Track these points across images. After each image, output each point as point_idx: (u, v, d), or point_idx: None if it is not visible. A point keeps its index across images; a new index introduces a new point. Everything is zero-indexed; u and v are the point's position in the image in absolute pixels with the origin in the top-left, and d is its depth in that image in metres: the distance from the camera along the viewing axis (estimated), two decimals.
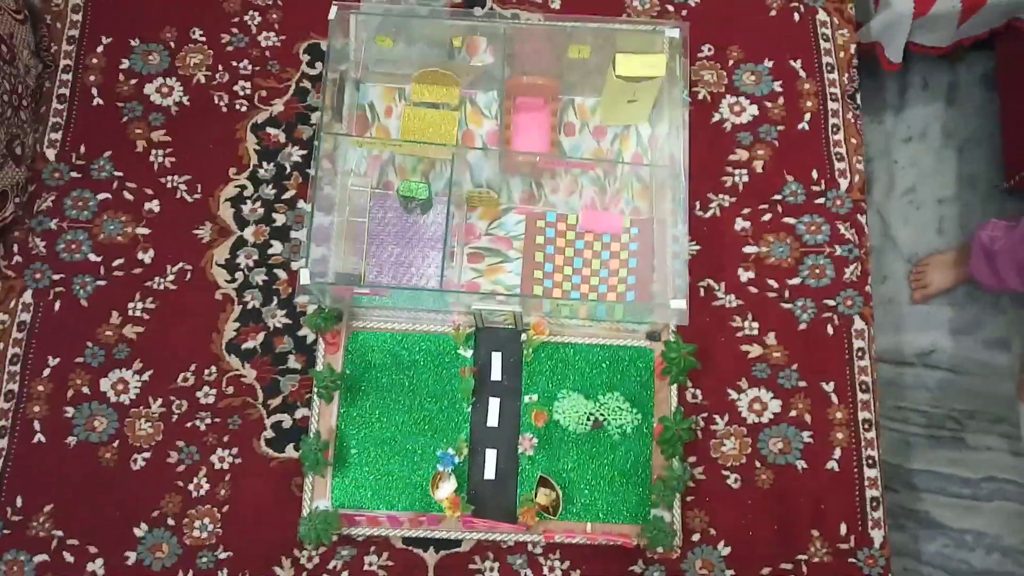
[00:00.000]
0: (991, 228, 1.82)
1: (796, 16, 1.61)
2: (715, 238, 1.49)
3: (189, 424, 1.39)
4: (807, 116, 1.55)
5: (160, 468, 1.37)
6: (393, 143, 1.45)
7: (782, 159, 1.53)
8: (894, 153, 2.16)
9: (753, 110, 1.56)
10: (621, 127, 1.53)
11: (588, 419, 1.35)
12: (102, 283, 1.45)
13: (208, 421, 1.39)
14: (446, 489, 1.30)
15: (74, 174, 1.50)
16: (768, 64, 1.58)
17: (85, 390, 1.40)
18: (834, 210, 1.51)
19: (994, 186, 2.08)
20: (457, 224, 1.47)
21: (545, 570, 1.34)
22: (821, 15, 1.61)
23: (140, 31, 1.58)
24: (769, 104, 1.56)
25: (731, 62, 1.58)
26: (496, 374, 1.41)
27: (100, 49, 1.57)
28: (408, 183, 1.41)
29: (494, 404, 1.39)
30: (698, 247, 1.48)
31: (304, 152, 1.52)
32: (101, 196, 1.49)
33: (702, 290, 1.47)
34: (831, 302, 1.47)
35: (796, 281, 1.48)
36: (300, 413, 1.40)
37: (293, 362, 1.42)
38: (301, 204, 1.50)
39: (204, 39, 1.58)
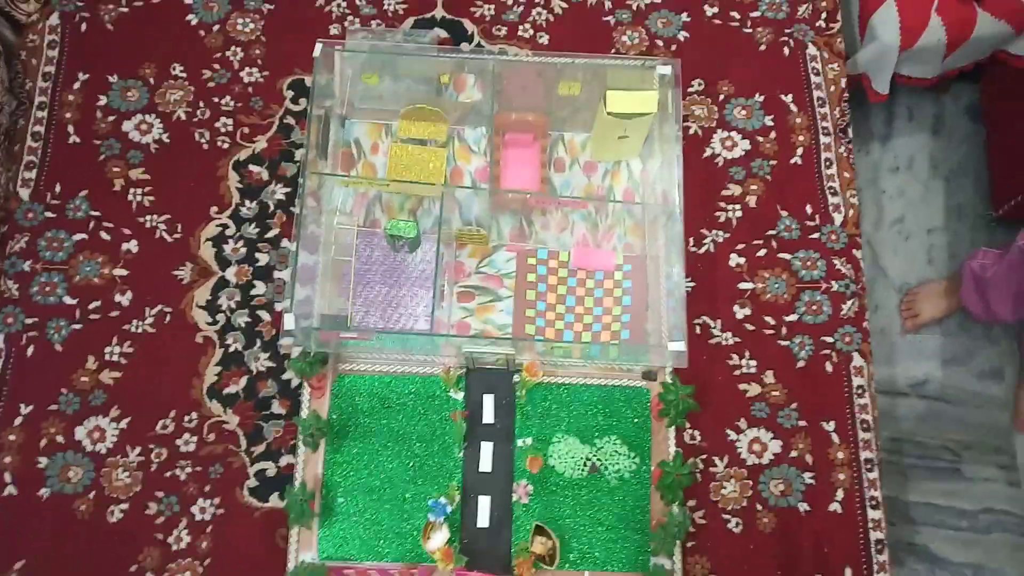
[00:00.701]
0: (981, 257, 1.81)
1: (786, 50, 1.60)
2: (710, 274, 1.46)
3: (169, 473, 1.33)
4: (799, 150, 1.54)
5: (138, 520, 1.31)
6: (380, 182, 1.41)
7: (776, 194, 1.51)
8: (882, 183, 2.16)
9: (745, 144, 1.54)
10: (612, 163, 1.51)
11: (584, 464, 1.30)
12: (78, 327, 1.39)
13: (189, 470, 1.33)
14: (438, 540, 1.25)
15: (49, 214, 1.45)
16: (759, 98, 1.57)
17: (59, 439, 1.34)
18: (829, 245, 1.49)
19: (986, 215, 2.08)
20: (447, 263, 1.43)
21: None
22: (811, 49, 1.60)
23: (118, 67, 1.54)
24: (761, 138, 1.54)
25: (722, 97, 1.57)
26: (488, 417, 1.36)
27: (77, 86, 1.53)
28: (396, 222, 1.37)
29: (487, 448, 1.34)
30: (693, 283, 1.45)
31: (288, 190, 1.48)
32: (77, 236, 1.44)
33: (698, 327, 1.43)
34: (829, 339, 1.44)
35: (793, 317, 1.45)
36: (285, 460, 1.35)
37: (277, 407, 1.37)
38: (285, 243, 1.46)
39: (185, 75, 1.54)
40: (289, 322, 1.19)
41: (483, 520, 1.31)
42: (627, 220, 1.48)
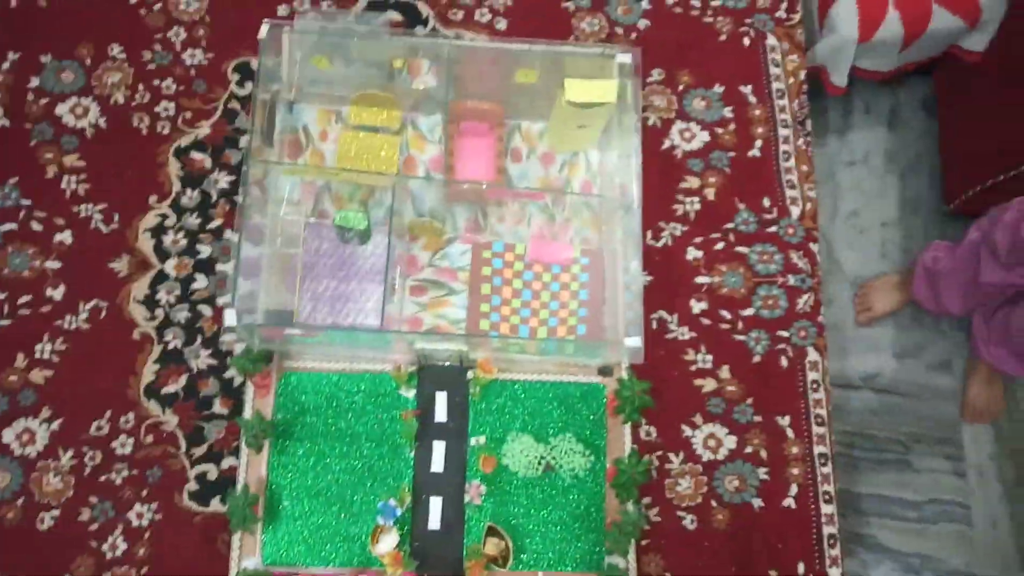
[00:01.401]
0: (933, 250, 1.82)
1: (746, 41, 1.58)
2: (668, 268, 1.44)
3: (103, 477, 1.27)
4: (758, 143, 1.52)
5: (71, 527, 1.25)
6: (329, 171, 1.36)
7: (734, 186, 1.49)
8: (838, 177, 2.16)
9: (704, 136, 1.52)
10: (570, 154, 1.47)
11: (539, 463, 1.28)
12: (5, 323, 1.32)
13: (125, 474, 1.27)
14: (387, 543, 1.21)
15: None
16: (719, 89, 1.54)
17: None
18: (786, 239, 1.48)
19: (940, 208, 2.09)
20: (399, 255, 1.38)
21: None
22: (771, 40, 1.58)
23: (52, 47, 1.46)
24: (720, 130, 1.52)
25: (681, 87, 1.54)
26: (441, 415, 1.33)
27: (6, 65, 1.44)
28: (345, 213, 1.32)
29: (439, 448, 1.31)
30: (650, 277, 1.43)
31: (232, 178, 1.42)
32: (6, 227, 1.36)
33: (655, 322, 1.41)
34: (784, 333, 1.43)
35: (749, 312, 1.44)
36: (227, 463, 1.29)
37: (219, 407, 1.32)
38: (228, 234, 1.39)
39: (124, 56, 1.47)
40: (231, 318, 1.13)
41: (434, 522, 1.28)
42: (585, 213, 1.44)
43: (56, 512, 1.25)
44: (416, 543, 1.26)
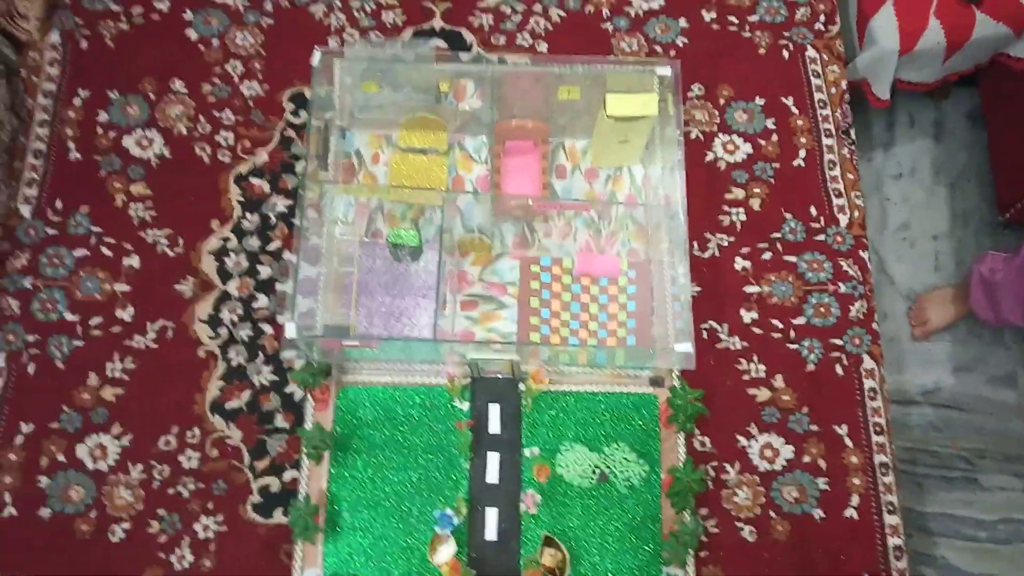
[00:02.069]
0: (989, 261, 1.79)
1: (785, 54, 1.60)
2: (716, 278, 1.45)
3: (171, 490, 1.31)
4: (802, 152, 1.53)
5: (140, 539, 1.28)
6: (380, 189, 1.40)
7: (779, 196, 1.50)
8: (885, 190, 2.15)
9: (747, 148, 1.53)
10: (613, 169, 1.50)
11: (593, 472, 1.28)
12: (79, 343, 1.38)
13: (191, 487, 1.31)
14: (445, 553, 1.22)
15: (50, 231, 1.44)
16: (760, 102, 1.56)
17: (60, 457, 1.32)
18: (835, 247, 1.47)
19: (993, 219, 2.06)
20: (449, 271, 1.42)
21: None
22: (810, 52, 1.60)
23: (119, 83, 1.54)
24: (763, 141, 1.53)
25: (722, 101, 1.56)
26: (494, 427, 1.34)
27: (78, 102, 1.52)
28: (397, 231, 1.36)
29: (493, 459, 1.32)
30: (699, 288, 1.44)
31: (289, 202, 1.47)
32: (78, 252, 1.43)
33: (705, 332, 1.42)
34: (838, 341, 1.42)
35: (801, 321, 1.43)
36: (289, 475, 1.32)
37: (280, 421, 1.35)
38: (287, 255, 1.44)
39: (185, 90, 1.54)
40: (291, 331, 1.17)
41: (491, 533, 1.28)
42: (630, 225, 1.46)
43: (126, 524, 1.29)
44: (473, 553, 1.27)
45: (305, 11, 1.61)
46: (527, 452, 1.32)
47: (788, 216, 1.49)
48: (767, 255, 1.47)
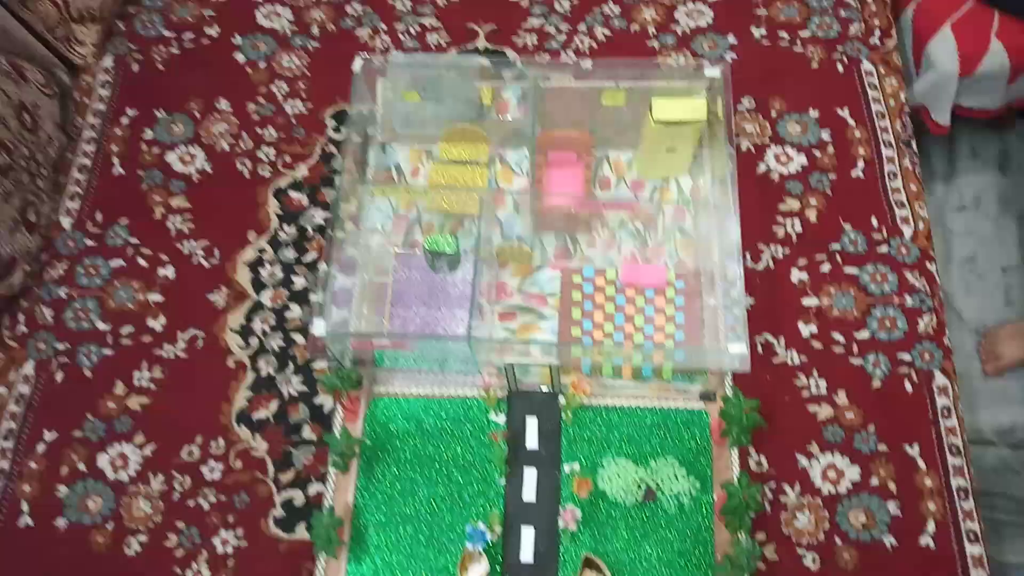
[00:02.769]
0: None
1: (840, 67, 1.55)
2: (770, 291, 1.36)
3: (191, 502, 1.25)
4: (860, 163, 1.46)
5: (157, 553, 1.22)
6: (418, 191, 1.36)
7: (837, 207, 1.42)
8: (948, 223, 2.04)
9: (801, 159, 1.46)
10: (660, 180, 1.44)
11: (639, 488, 1.18)
12: (109, 352, 1.35)
13: (212, 499, 1.25)
14: (476, 572, 1.12)
15: (88, 242, 1.44)
16: (814, 114, 1.50)
17: (81, 467, 1.28)
18: (899, 259, 1.38)
19: None
20: (487, 282, 1.36)
21: None
22: (866, 65, 1.54)
23: (166, 103, 1.56)
24: (818, 153, 1.47)
25: (773, 113, 1.51)
26: (532, 442, 1.26)
27: (125, 121, 1.55)
28: (435, 237, 1.32)
29: (530, 475, 1.23)
30: (752, 301, 1.35)
31: (327, 214, 1.45)
32: (114, 263, 1.42)
33: (760, 346, 1.32)
34: (906, 356, 1.31)
35: (865, 335, 1.33)
36: (314, 489, 1.25)
37: (308, 432, 1.29)
38: (323, 267, 1.41)
39: (230, 108, 1.55)
40: (319, 328, 1.12)
41: (527, 554, 1.18)
42: (678, 236, 1.40)
43: (143, 537, 1.23)
44: (507, 575, 1.17)
45: (351, 34, 1.63)
46: (566, 468, 1.23)
47: (847, 227, 1.41)
48: (826, 267, 1.38)
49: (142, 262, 1.42)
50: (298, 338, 1.36)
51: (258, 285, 1.40)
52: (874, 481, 1.23)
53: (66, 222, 1.45)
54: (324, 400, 1.31)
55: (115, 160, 1.51)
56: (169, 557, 1.21)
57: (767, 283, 1.37)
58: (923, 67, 1.78)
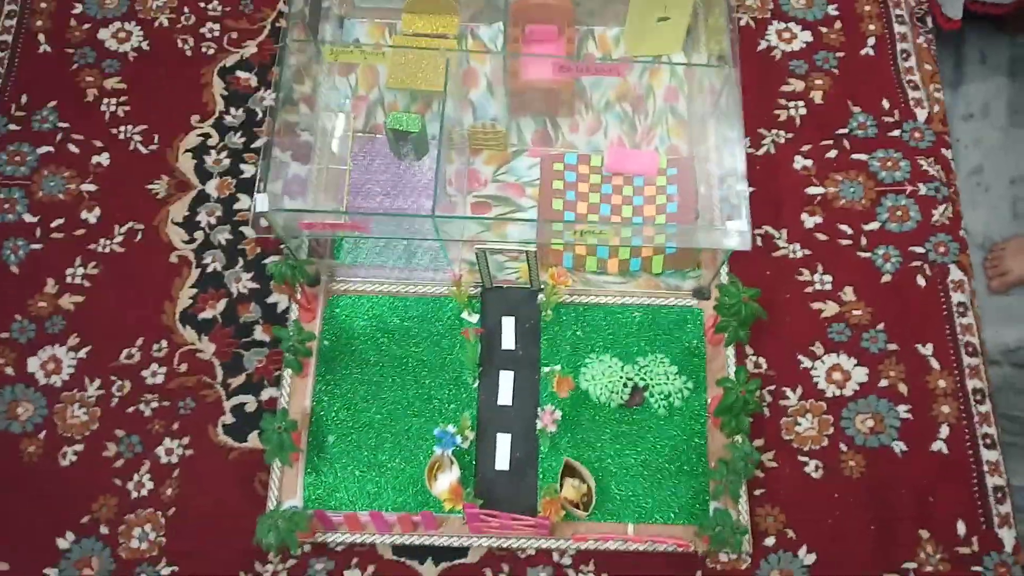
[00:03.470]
0: None
1: None
2: (772, 179, 1.24)
3: (131, 409, 1.13)
4: (871, 41, 1.32)
5: (94, 463, 1.10)
6: (376, 54, 1.19)
7: (845, 89, 1.29)
8: (955, 132, 1.90)
9: (806, 36, 1.32)
10: (651, 59, 1.30)
11: (625, 387, 1.06)
12: (37, 247, 1.22)
13: (155, 405, 1.13)
14: (447, 480, 1.01)
15: (12, 126, 1.29)
16: None
17: (9, 371, 1.15)
18: (913, 144, 1.26)
19: None
20: (458, 170, 1.22)
21: None
22: None
23: None
24: (824, 29, 1.32)
25: None
26: (508, 342, 1.14)
27: None
28: (397, 115, 1.17)
29: (506, 378, 1.12)
30: (752, 189, 1.22)
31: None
32: (42, 150, 1.27)
33: (759, 239, 1.20)
34: (919, 249, 1.19)
35: (874, 226, 1.21)
36: (267, 394, 1.14)
37: (260, 334, 1.17)
38: (276, 153, 1.26)
39: None
40: (261, 203, 0.98)
41: (502, 462, 1.08)
42: (670, 119, 1.26)
43: (79, 447, 1.11)
44: (481, 486, 1.06)
45: None
46: (545, 370, 1.11)
47: (856, 110, 1.28)
48: (832, 153, 1.25)
49: (73, 148, 1.27)
50: (248, 231, 1.22)
51: (203, 173, 1.26)
52: (883, 383, 1.13)
53: None
54: (279, 299, 1.18)
55: (40, 37, 1.34)
56: (108, 467, 1.10)
57: (768, 171, 1.24)
58: None
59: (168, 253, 1.21)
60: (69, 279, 1.20)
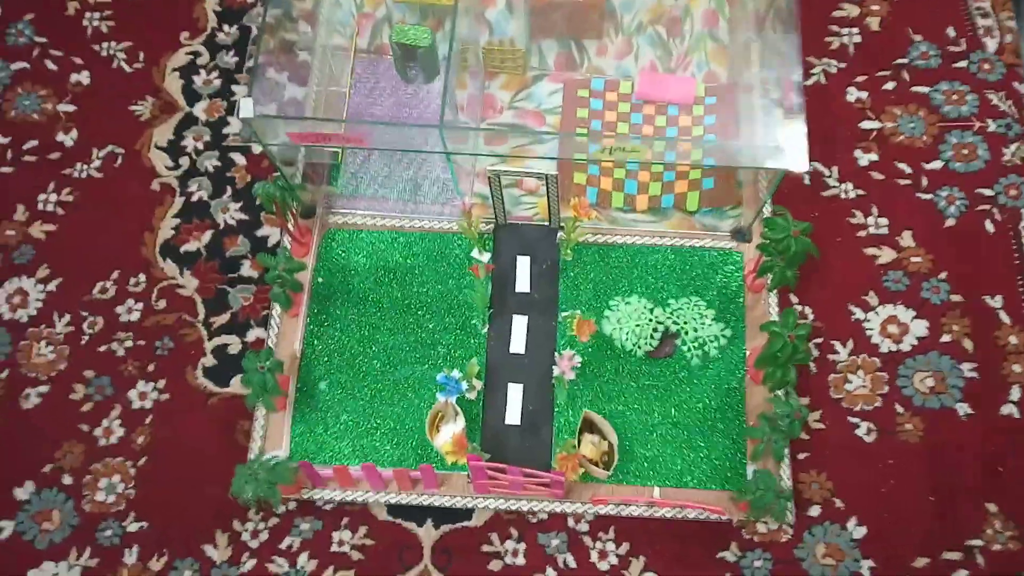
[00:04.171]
0: None
1: None
2: (822, 112, 1.11)
3: (103, 347, 1.02)
4: None
5: (59, 407, 0.99)
6: None
7: (905, 15, 1.16)
8: None
9: None
10: None
11: (655, 332, 0.94)
12: (8, 170, 1.11)
13: (129, 344, 1.02)
14: (450, 431, 0.90)
15: None
16: None
17: None
18: (981, 76, 1.12)
19: None
20: (472, 95, 1.10)
21: (593, 555, 0.92)
22: None
23: None
24: None
25: None
26: (523, 284, 1.02)
27: None
28: (403, 28, 1.05)
29: (519, 324, 1.00)
30: None
31: (278, 11, 1.17)
32: (16, 66, 1.17)
33: (807, 177, 1.07)
34: (987, 191, 1.06)
35: (936, 165, 1.08)
36: (254, 335, 1.02)
37: (248, 269, 1.05)
38: (271, 74, 1.14)
39: None
40: (246, 109, 0.85)
41: (513, 415, 0.96)
42: (708, 44, 1.13)
43: (44, 388, 1.00)
44: (489, 441, 0.94)
45: None
46: (563, 315, 0.99)
47: (917, 39, 1.14)
48: (890, 84, 1.12)
49: (51, 65, 1.16)
50: (238, 158, 1.11)
51: (191, 95, 1.15)
52: (945, 338, 1.00)
53: None
54: (270, 232, 1.07)
55: None
56: (74, 412, 0.99)
57: (817, 103, 1.11)
58: None
59: (150, 180, 1.10)
60: (41, 206, 1.09)
